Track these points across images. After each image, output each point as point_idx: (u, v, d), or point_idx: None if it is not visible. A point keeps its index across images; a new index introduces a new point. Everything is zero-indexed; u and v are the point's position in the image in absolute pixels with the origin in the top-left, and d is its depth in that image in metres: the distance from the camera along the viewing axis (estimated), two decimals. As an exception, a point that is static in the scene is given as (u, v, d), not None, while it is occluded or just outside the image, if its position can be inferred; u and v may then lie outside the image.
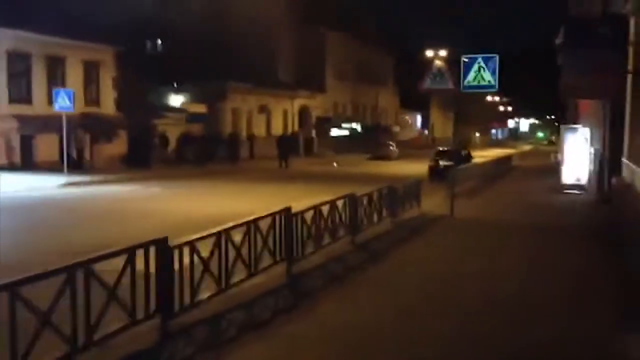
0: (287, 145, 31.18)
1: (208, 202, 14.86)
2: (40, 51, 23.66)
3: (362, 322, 5.63)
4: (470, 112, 78.19)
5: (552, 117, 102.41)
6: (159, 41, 44.31)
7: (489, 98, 78.27)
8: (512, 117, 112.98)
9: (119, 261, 4.58)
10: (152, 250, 4.88)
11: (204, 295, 5.50)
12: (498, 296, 6.72)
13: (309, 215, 7.73)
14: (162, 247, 4.88)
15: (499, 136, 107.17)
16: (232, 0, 39.56)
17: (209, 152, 29.48)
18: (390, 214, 11.34)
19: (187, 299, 5.25)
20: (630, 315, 6.06)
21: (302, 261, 7.48)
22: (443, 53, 44.63)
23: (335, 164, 32.37)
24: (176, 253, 5.07)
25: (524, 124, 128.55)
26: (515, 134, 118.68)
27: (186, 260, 5.21)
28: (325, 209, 8.29)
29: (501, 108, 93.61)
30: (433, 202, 14.40)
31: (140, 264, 4.72)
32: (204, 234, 5.56)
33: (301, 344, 5.02)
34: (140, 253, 4.73)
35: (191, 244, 5.30)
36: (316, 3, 43.85)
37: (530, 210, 14.76)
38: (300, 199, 8.18)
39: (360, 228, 9.63)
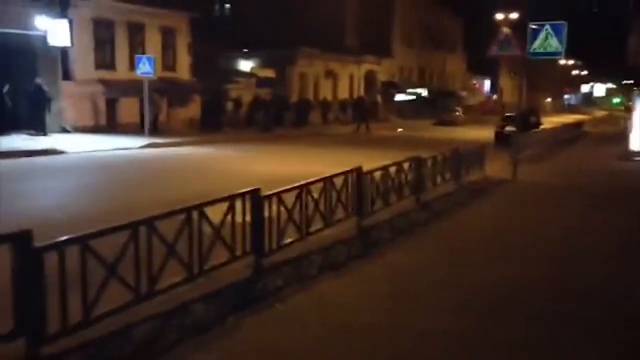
0: (364, 109, 31.81)
1: (281, 164, 15.81)
2: (122, 18, 25.07)
3: (423, 266, 6.45)
4: (542, 76, 76.10)
5: (630, 81, 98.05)
6: (227, 5, 45.44)
7: (562, 62, 75.71)
8: (586, 82, 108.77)
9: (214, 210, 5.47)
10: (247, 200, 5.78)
11: (288, 240, 6.40)
12: (552, 248, 7.36)
13: (377, 175, 8.50)
14: (256, 196, 5.78)
15: (572, 102, 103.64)
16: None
17: (279, 117, 30.51)
18: (454, 177, 11.95)
19: (274, 243, 6.18)
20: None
21: (371, 216, 8.29)
22: (514, 16, 43.68)
23: (399, 130, 32.80)
24: (266, 203, 5.96)
25: (599, 89, 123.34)
26: (589, 99, 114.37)
27: (274, 209, 6.11)
28: (392, 170, 9.04)
29: (575, 72, 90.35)
30: (497, 167, 14.86)
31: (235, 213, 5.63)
32: (288, 187, 6.44)
33: (370, 280, 5.89)
34: (238, 201, 5.65)
35: (278, 195, 6.18)
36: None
37: (591, 176, 15.02)
38: (369, 162, 8.92)
39: (424, 188, 10.32)
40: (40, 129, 19.28)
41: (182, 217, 5.00)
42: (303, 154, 18.77)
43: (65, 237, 4.03)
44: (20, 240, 3.70)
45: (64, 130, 21.44)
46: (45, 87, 19.64)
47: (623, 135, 21.93)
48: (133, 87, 23.17)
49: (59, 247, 3.94)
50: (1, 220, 6.94)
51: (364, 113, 31.32)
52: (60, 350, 4.01)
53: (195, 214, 5.08)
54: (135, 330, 4.42)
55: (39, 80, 19.73)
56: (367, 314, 4.96)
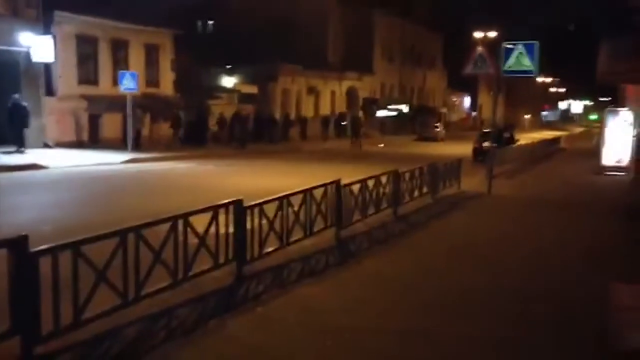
0: (357, 125, 32.27)
1: (262, 178, 16.07)
2: (105, 35, 25.32)
3: (396, 273, 6.79)
4: (521, 93, 77.44)
5: (607, 99, 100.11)
6: (210, 22, 45.90)
7: (540, 79, 77.20)
8: (564, 99, 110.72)
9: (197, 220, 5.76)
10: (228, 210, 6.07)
11: (269, 249, 6.70)
12: (518, 256, 7.75)
13: (356, 188, 8.84)
14: (238, 206, 6.08)
15: (550, 118, 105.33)
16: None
17: (260, 132, 30.84)
18: (431, 190, 12.34)
19: (256, 252, 6.47)
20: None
21: (350, 227, 8.61)
22: (492, 34, 44.64)
23: (380, 145, 33.29)
24: (248, 213, 6.25)
25: (577, 106, 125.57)
26: (567, 115, 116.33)
27: (256, 219, 6.40)
28: (370, 183, 9.40)
29: (552, 89, 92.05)
30: (473, 182, 15.30)
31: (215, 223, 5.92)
32: (270, 198, 6.74)
33: (347, 286, 6.21)
34: (222, 211, 5.94)
35: (260, 206, 6.49)
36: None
37: (565, 190, 15.51)
38: (349, 176, 9.27)
39: (402, 201, 10.68)
40: (18, 144, 19.18)
41: (167, 225, 5.28)
42: (282, 169, 19.08)
43: (58, 243, 4.29)
44: (18, 245, 3.96)
45: (46, 146, 21.53)
46: (23, 103, 19.62)
47: (596, 151, 22.59)
48: (116, 103, 23.37)
49: (53, 251, 4.20)
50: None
51: (357, 129, 31.82)
52: (53, 350, 4.25)
53: (180, 223, 5.36)
54: (123, 332, 4.68)
55: (16, 95, 19.71)
56: (343, 317, 5.26)
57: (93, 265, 4.52)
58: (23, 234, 4.05)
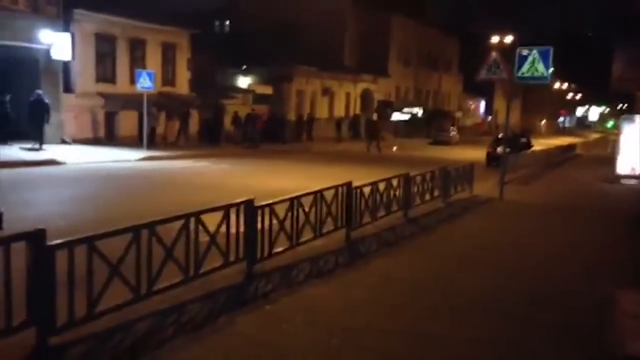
0: (376, 129, 32.11)
1: (274, 179, 16.19)
2: (123, 34, 25.61)
3: (406, 276, 6.84)
4: (537, 99, 77.03)
5: (624, 106, 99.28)
6: (227, 22, 46.20)
7: (556, 85, 76.75)
8: (581, 105, 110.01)
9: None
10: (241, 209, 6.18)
11: (279, 248, 6.80)
12: (528, 262, 7.76)
13: (367, 190, 8.93)
14: (250, 206, 6.19)
15: (567, 124, 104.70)
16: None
17: (274, 133, 31.00)
18: (442, 194, 12.38)
19: (266, 251, 6.57)
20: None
21: (359, 229, 8.69)
22: (508, 39, 44.48)
23: (394, 148, 33.30)
24: (259, 213, 6.36)
25: (594, 112, 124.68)
26: (583, 122, 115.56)
27: (266, 219, 6.51)
28: (381, 186, 9.47)
29: (570, 96, 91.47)
30: (486, 186, 15.31)
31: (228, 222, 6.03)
32: (280, 199, 6.85)
33: (354, 287, 6.28)
34: (233, 210, 6.05)
35: (270, 206, 6.59)
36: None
37: (577, 197, 15.46)
38: (361, 178, 9.36)
39: (412, 204, 10.74)
40: (39, 140, 19.44)
41: (180, 223, 5.40)
42: (294, 170, 19.18)
43: (74, 237, 4.43)
44: (35, 238, 4.09)
45: (63, 142, 21.84)
46: (45, 99, 19.98)
47: (611, 159, 22.45)
48: (132, 101, 23.64)
49: (70, 245, 4.33)
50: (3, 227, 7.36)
51: (372, 132, 31.64)
52: (67, 341, 4.39)
53: (192, 221, 5.48)
54: (135, 326, 4.80)
55: (39, 91, 20.07)
56: (349, 316, 5.35)
57: (107, 259, 4.64)
58: (40, 227, 4.18)
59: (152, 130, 24.16)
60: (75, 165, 17.30)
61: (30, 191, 12.23)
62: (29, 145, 19.23)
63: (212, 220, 5.80)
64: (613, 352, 4.66)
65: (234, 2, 43.77)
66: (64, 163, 17.28)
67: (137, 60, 26.11)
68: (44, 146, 19.47)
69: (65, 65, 22.58)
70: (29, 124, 19.67)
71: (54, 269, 4.22)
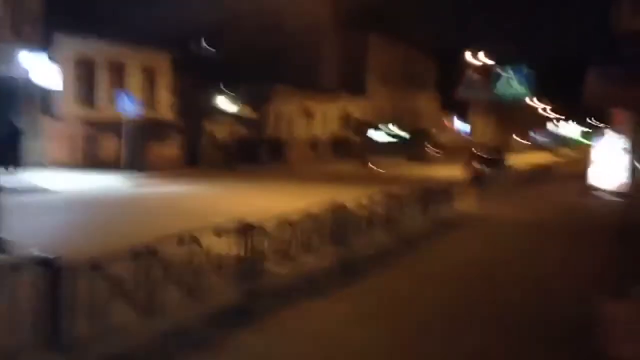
0: (361, 148, 32.50)
1: (263, 199, 16.36)
2: (104, 58, 25.74)
3: (396, 291, 7.10)
4: (513, 116, 78.43)
5: (599, 124, 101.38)
6: (207, 45, 46.45)
7: (531, 103, 78.24)
8: (557, 122, 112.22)
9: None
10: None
11: (273, 267, 7.00)
12: (513, 274, 8.10)
13: (351, 208, 9.18)
14: (243, 227, 6.39)
15: (543, 141, 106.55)
16: (278, 6, 41.21)
17: (256, 154, 31.25)
18: (424, 211, 12.68)
19: (261, 270, 6.76)
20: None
21: (349, 247, 8.92)
22: (483, 57, 45.36)
23: (374, 166, 33.72)
24: (253, 233, 6.55)
25: (570, 129, 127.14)
26: (560, 139, 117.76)
27: (259, 239, 6.70)
28: (365, 203, 9.76)
29: (545, 113, 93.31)
30: (468, 202, 15.72)
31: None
32: (271, 219, 7.06)
33: (348, 302, 6.58)
34: (228, 231, 6.25)
35: (262, 227, 6.79)
36: (360, 8, 45.19)
37: (555, 211, 16.11)
38: (341, 197, 9.66)
39: (396, 222, 11.01)
40: (12, 164, 18.90)
41: (177, 244, 5.57)
42: (282, 190, 19.40)
43: (85, 262, 4.61)
44: (51, 263, 4.30)
45: (42, 166, 21.68)
46: (17, 123, 19.71)
47: (585, 173, 23.14)
48: (113, 125, 23.70)
49: (81, 270, 4.52)
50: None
51: (358, 152, 32.11)
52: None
53: (189, 242, 5.67)
54: (138, 345, 4.95)
55: (12, 115, 19.87)
56: (342, 327, 5.61)
57: (112, 281, 4.80)
58: (56, 255, 4.38)
59: (134, 154, 24.20)
60: (57, 193, 16.89)
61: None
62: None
63: (209, 242, 6.00)
64: (604, 356, 4.96)
65: (216, 25, 44.08)
66: (49, 190, 17.00)
67: (118, 84, 26.20)
68: (16, 170, 19.02)
69: (45, 89, 22.59)
70: (3, 148, 19.33)
71: (67, 293, 4.41)
